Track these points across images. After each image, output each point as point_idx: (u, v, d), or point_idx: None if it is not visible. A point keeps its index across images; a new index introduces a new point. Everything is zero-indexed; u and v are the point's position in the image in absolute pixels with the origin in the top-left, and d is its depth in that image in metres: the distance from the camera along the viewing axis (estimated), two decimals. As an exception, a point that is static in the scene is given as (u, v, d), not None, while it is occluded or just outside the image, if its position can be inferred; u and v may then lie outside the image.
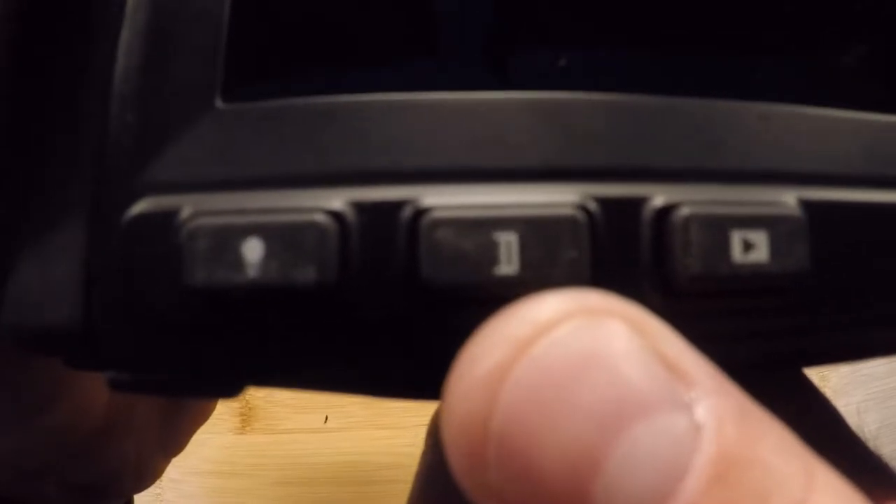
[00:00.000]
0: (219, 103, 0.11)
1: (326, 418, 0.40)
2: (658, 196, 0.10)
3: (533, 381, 0.08)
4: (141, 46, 0.11)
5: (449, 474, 0.16)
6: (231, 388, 0.12)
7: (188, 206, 0.10)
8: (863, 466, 0.12)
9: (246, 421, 0.40)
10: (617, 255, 0.10)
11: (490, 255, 0.09)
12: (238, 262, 0.10)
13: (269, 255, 0.10)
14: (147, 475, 0.24)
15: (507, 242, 0.09)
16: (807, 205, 0.10)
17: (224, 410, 0.40)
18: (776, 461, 0.08)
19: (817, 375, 0.40)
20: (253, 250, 0.10)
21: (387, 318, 0.10)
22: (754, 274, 0.10)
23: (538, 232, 0.09)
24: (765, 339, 0.11)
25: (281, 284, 0.10)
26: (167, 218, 0.10)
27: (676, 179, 0.10)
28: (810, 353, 0.12)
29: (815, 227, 0.10)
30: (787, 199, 0.10)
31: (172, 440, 0.25)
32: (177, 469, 0.39)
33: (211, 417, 0.40)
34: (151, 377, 0.11)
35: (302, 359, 0.11)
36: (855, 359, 0.12)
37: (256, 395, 0.40)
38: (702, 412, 0.08)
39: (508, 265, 0.09)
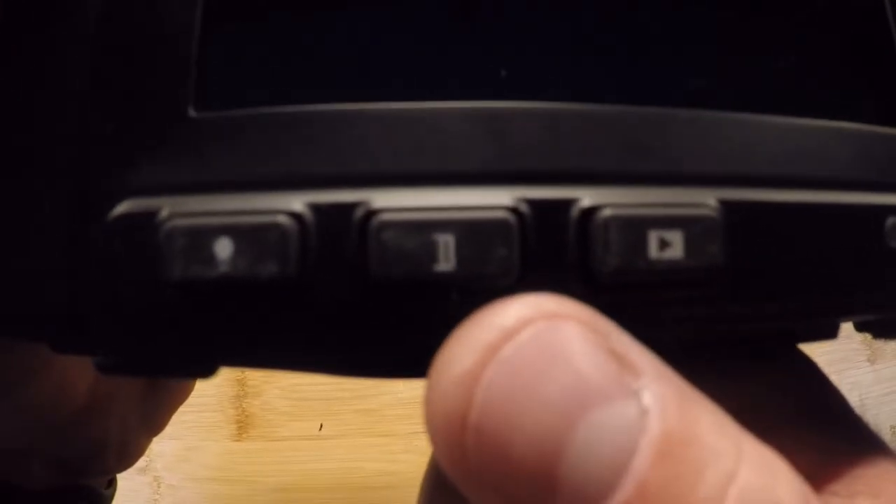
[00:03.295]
0: (191, 112, 0.12)
1: (321, 426, 0.41)
2: (585, 198, 0.11)
3: (502, 380, 0.09)
4: (114, 59, 0.12)
5: None
6: (206, 370, 0.13)
7: (165, 207, 0.11)
8: (845, 435, 0.13)
9: (242, 428, 0.41)
10: (545, 252, 0.11)
11: (430, 253, 0.11)
12: (210, 259, 0.11)
13: (237, 252, 0.11)
14: (130, 453, 0.25)
15: (445, 243, 0.11)
16: (726, 204, 0.12)
17: (221, 418, 0.41)
18: (711, 438, 0.10)
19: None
20: (223, 248, 0.11)
21: (341, 308, 0.11)
22: (670, 269, 0.11)
23: (472, 233, 0.11)
24: (687, 326, 0.12)
25: (248, 278, 0.11)
26: (147, 218, 0.11)
27: (604, 182, 0.11)
28: (733, 341, 0.13)
29: (733, 225, 0.12)
30: (708, 199, 0.12)
31: (154, 418, 0.26)
32: (175, 475, 0.40)
33: (208, 425, 0.41)
34: (134, 361, 0.13)
35: (268, 343, 0.12)
36: (781, 346, 0.13)
37: (253, 404, 0.41)
38: (648, 398, 0.09)
39: (446, 263, 0.11)
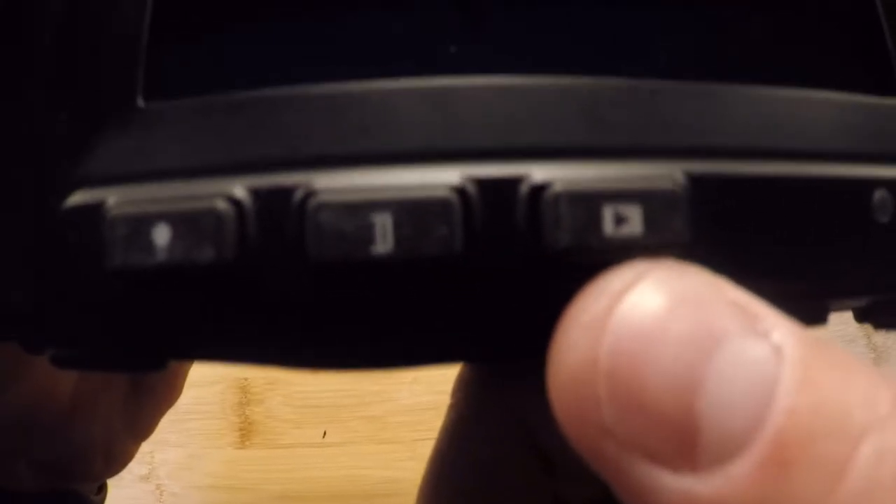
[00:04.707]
0: (140, 102, 0.12)
1: (325, 433, 0.40)
2: (536, 174, 0.11)
3: (632, 322, 0.09)
4: (71, 52, 0.12)
5: (476, 426, 0.17)
6: (155, 362, 0.12)
7: (112, 197, 0.11)
8: None
9: (246, 436, 0.41)
10: (493, 231, 0.10)
11: (367, 235, 0.10)
12: (149, 246, 0.11)
13: (174, 238, 0.11)
14: (116, 458, 0.25)
15: (383, 223, 0.10)
16: (694, 178, 0.11)
17: (224, 425, 0.41)
18: (850, 367, 0.09)
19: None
20: (161, 235, 0.11)
21: (284, 294, 0.11)
22: (627, 246, 0.10)
23: (410, 212, 0.10)
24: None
25: (185, 264, 0.10)
26: (96, 209, 0.11)
27: (559, 158, 0.11)
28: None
29: (703, 200, 0.11)
30: (674, 172, 0.11)
31: (139, 422, 0.26)
32: (178, 483, 0.40)
33: (211, 433, 0.41)
34: (85, 354, 0.12)
35: (214, 333, 0.11)
36: None
37: (256, 411, 0.41)
38: (777, 336, 0.09)
39: (384, 244, 0.10)
